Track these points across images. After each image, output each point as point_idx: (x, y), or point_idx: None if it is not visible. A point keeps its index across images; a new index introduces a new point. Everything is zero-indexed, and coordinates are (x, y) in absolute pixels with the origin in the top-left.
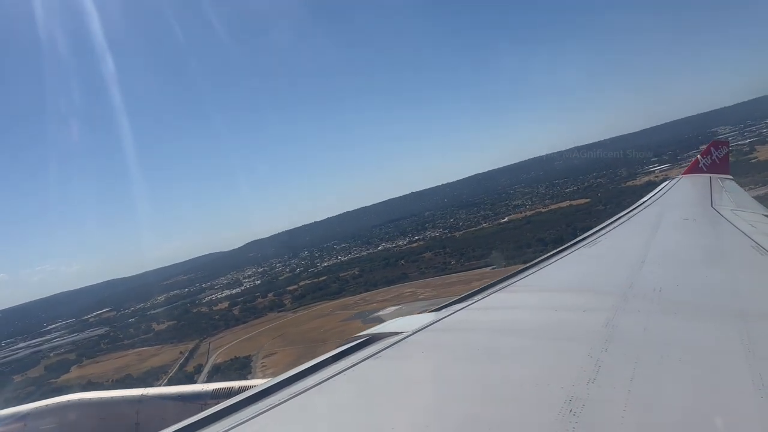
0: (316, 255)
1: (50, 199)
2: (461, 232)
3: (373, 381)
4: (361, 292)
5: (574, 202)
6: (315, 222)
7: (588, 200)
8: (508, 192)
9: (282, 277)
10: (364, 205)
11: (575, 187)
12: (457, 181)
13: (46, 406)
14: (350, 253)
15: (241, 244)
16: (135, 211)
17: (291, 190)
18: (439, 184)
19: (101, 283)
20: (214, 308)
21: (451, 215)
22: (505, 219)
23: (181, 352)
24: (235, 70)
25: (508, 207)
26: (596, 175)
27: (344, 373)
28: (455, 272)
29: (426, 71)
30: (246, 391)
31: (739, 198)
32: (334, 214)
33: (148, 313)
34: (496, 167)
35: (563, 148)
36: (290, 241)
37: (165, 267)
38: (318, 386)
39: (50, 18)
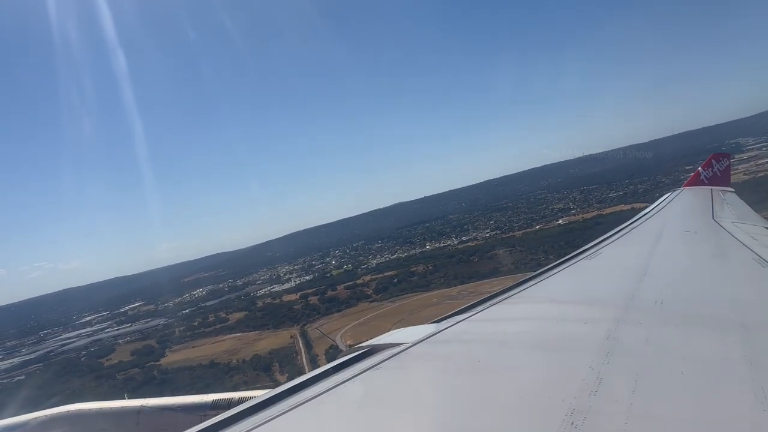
0: (352, 254)
1: (50, 196)
2: (519, 233)
3: (374, 392)
4: (455, 285)
5: (635, 206)
6: (326, 224)
7: (647, 204)
8: (535, 197)
9: (335, 273)
10: (374, 209)
11: (621, 192)
12: (469, 187)
13: (46, 416)
14: (395, 252)
15: (248, 245)
16: (133, 211)
17: (294, 194)
18: (449, 189)
19: (109, 279)
20: (283, 300)
21: (486, 218)
22: (559, 221)
23: (291, 336)
24: (248, 71)
25: (552, 210)
26: (630, 182)
27: (344, 384)
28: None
29: (435, 77)
30: (246, 402)
31: (741, 210)
32: (344, 217)
33: (201, 305)
34: (507, 174)
35: (572, 157)
36: (309, 242)
37: (172, 265)
38: (318, 397)
39: (61, 14)
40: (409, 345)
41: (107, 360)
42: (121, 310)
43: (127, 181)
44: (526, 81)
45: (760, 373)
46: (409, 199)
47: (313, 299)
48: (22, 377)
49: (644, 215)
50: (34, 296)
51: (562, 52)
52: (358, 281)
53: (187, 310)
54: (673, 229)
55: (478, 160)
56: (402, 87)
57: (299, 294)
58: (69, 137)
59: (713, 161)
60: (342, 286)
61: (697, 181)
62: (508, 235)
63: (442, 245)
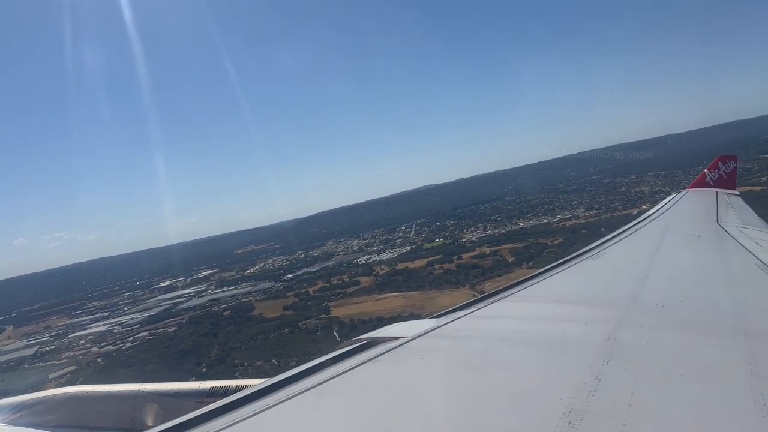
0: (428, 230)
1: (69, 170)
2: (633, 211)
3: (371, 385)
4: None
5: (754, 189)
6: (353, 204)
7: (762, 187)
8: (599, 181)
9: (431, 246)
10: (402, 191)
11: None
12: (505, 171)
13: (43, 397)
14: (485, 229)
15: (273, 222)
16: (147, 188)
17: (315, 175)
18: (479, 173)
19: (142, 251)
20: (407, 267)
21: (562, 199)
22: None
23: (473, 295)
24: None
25: (642, 192)
26: (705, 167)
27: (342, 376)
28: None
29: (464, 67)
30: (242, 391)
31: (745, 215)
32: (371, 198)
33: (302, 271)
34: (544, 160)
35: (607, 144)
36: (352, 220)
37: (199, 240)
38: (315, 388)
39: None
40: (408, 339)
41: (259, 314)
42: (200, 276)
43: (139, 159)
44: (562, 71)
45: (760, 379)
46: (439, 182)
47: (449, 266)
48: (174, 328)
49: (648, 217)
50: (67, 264)
51: (597, 44)
52: (481, 251)
53: (290, 275)
54: (676, 232)
55: (505, 147)
56: (430, 76)
57: (426, 262)
58: (87, 112)
59: (720, 163)
60: (467, 256)
61: (702, 183)
62: (618, 213)
63: (540, 222)
